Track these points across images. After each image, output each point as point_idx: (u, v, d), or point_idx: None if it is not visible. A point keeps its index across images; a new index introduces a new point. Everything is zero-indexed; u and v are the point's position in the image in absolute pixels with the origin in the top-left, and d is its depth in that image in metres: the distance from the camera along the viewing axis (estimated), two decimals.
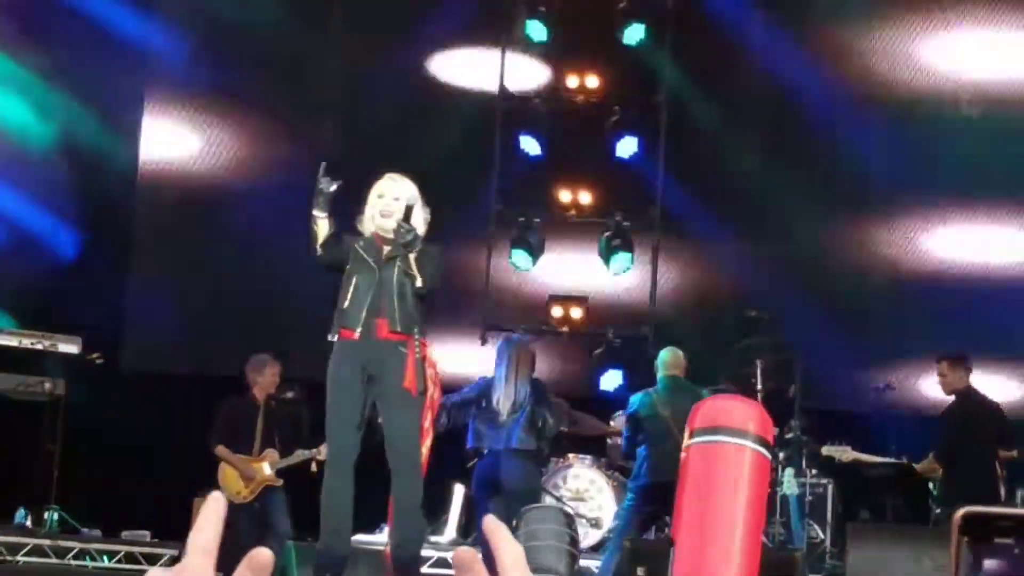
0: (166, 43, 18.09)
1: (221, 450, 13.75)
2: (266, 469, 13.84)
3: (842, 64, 17.60)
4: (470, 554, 1.90)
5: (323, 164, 10.83)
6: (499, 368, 12.77)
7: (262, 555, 1.77)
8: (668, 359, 13.77)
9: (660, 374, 13.63)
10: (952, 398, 14.30)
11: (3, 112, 17.18)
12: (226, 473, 13.78)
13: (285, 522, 13.76)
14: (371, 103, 18.16)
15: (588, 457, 14.79)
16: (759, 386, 14.72)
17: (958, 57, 17.65)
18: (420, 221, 10.63)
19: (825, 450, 14.64)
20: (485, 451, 12.70)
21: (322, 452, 13.01)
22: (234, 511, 13.24)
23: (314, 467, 13.79)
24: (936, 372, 14.41)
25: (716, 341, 16.37)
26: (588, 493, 14.58)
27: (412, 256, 10.26)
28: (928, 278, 17.27)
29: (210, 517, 1.93)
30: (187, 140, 18.36)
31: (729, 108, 17.65)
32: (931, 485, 14.51)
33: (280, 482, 13.85)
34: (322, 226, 10.53)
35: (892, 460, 14.65)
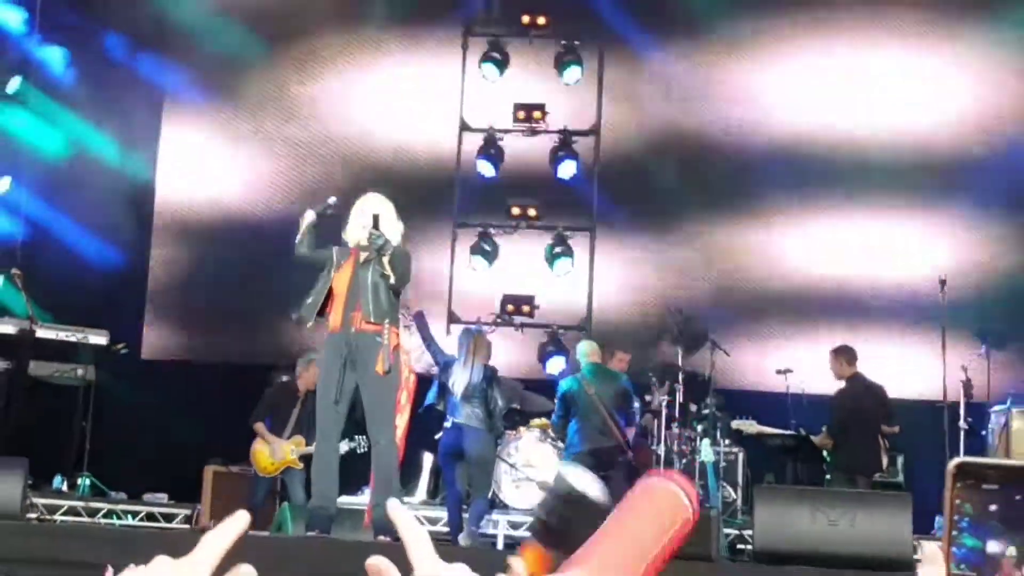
0: (178, 80, 18.02)
1: (259, 427, 14.06)
2: (291, 452, 14.04)
3: (741, 100, 17.81)
4: (383, 562, 2.17)
5: (334, 198, 11.55)
6: (459, 354, 13.00)
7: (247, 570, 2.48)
8: (587, 349, 14.25)
9: (584, 362, 14.02)
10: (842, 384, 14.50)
11: (44, 142, 17.35)
12: (258, 448, 14.03)
13: (301, 496, 13.65)
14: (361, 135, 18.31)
15: (536, 430, 14.83)
16: (680, 370, 14.93)
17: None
18: (392, 230, 11.01)
19: (735, 424, 14.94)
20: (449, 424, 12.87)
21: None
22: (256, 480, 14.12)
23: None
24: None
25: (645, 332, 16.78)
26: (536, 460, 14.69)
27: (386, 259, 10.60)
28: (818, 277, 17.39)
29: (231, 529, 2.24)
30: (200, 164, 18.35)
31: (652, 136, 17.85)
32: (824, 454, 14.60)
33: (301, 465, 13.94)
34: (309, 225, 11.07)
35: (791, 433, 14.90)
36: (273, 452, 14.09)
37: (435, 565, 2.08)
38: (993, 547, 1.92)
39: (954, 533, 1.93)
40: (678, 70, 18.07)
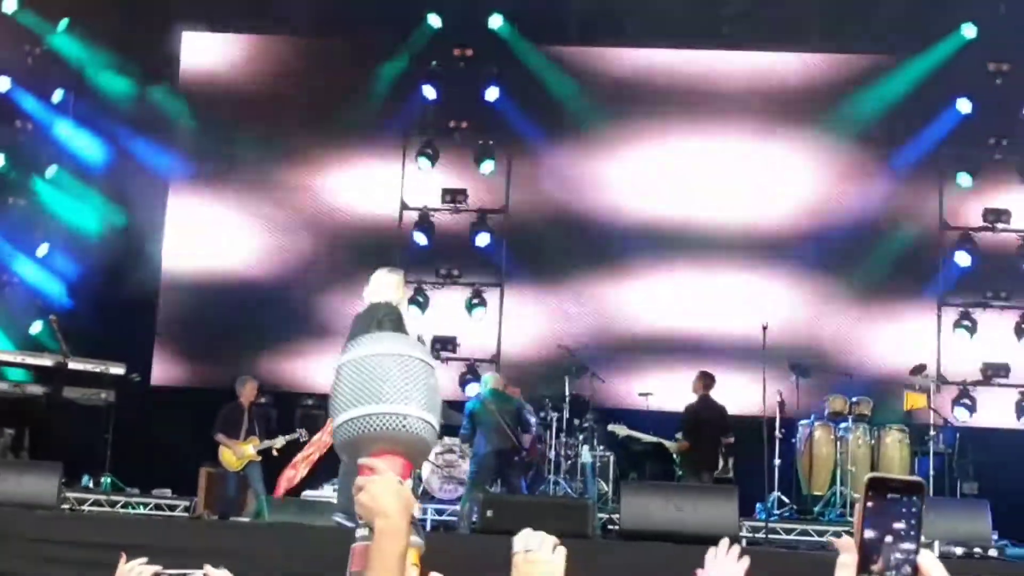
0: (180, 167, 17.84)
1: (220, 437, 14.06)
2: (250, 449, 14.03)
3: (614, 186, 17.77)
4: None
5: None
6: None
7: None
8: (490, 379, 14.43)
9: (486, 388, 14.11)
10: (694, 399, 14.55)
11: (71, 215, 17.28)
12: (224, 452, 14.05)
13: (260, 485, 13.73)
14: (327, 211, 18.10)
15: (455, 438, 14.60)
16: (567, 394, 14.85)
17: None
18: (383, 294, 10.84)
19: (610, 427, 14.88)
20: None
21: (280, 443, 14.16)
22: (227, 476, 14.02)
23: (275, 452, 14.10)
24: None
25: (540, 366, 16.80)
26: (455, 463, 14.82)
27: None
28: (671, 322, 17.33)
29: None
30: (201, 231, 18.12)
31: (547, 214, 17.84)
32: (675, 457, 14.58)
33: (259, 458, 14.01)
34: None
35: (652, 439, 14.81)
36: (235, 453, 14.09)
37: None
38: (888, 539, 1.93)
39: (868, 538, 1.93)
40: (566, 163, 18.02)
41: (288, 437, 14.30)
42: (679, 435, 14.63)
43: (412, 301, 17.23)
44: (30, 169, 17.13)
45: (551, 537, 2.77)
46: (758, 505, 13.76)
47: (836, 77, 17.73)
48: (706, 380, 14.79)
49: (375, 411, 2.68)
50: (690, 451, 14.50)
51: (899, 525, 1.94)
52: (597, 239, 17.71)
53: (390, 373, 2.74)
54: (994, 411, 16.80)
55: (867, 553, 1.94)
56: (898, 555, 1.93)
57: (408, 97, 17.94)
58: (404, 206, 18.01)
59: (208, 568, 3.83)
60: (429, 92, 17.88)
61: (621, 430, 14.87)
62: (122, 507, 13.24)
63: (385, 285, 11.04)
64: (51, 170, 17.34)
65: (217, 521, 12.47)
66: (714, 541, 3.59)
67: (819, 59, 17.80)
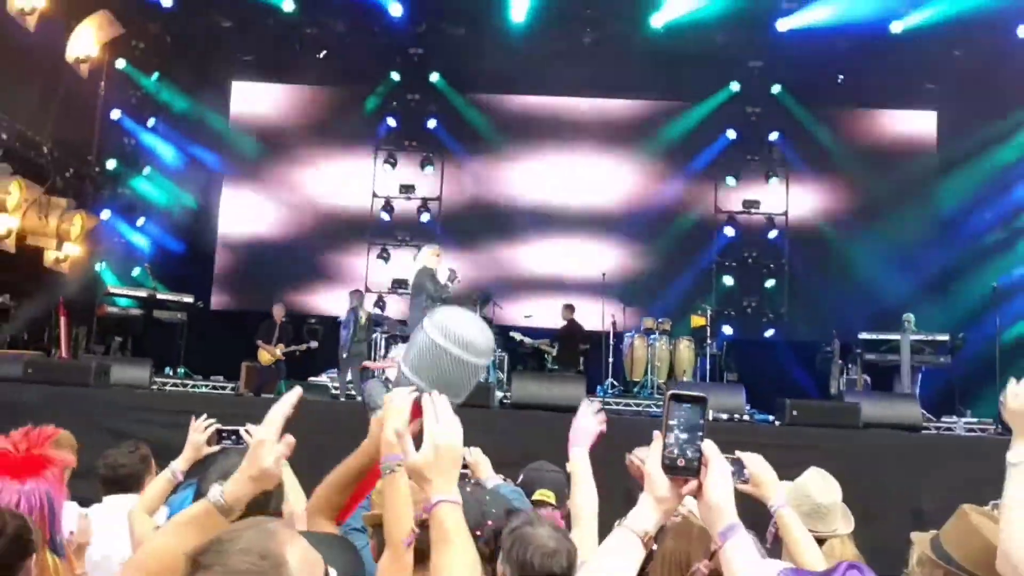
0: (229, 167, 17.67)
1: (259, 343, 14.00)
2: (278, 352, 13.97)
3: (514, 183, 17.58)
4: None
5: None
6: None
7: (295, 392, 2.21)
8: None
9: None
10: (564, 322, 14.48)
11: (159, 199, 17.08)
12: (261, 352, 13.98)
13: (284, 372, 13.80)
14: (323, 196, 17.84)
15: None
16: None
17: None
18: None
19: (511, 334, 14.51)
20: None
21: (300, 349, 14.05)
22: (266, 368, 13.96)
23: (297, 354, 14.13)
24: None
25: (462, 299, 16.43)
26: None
27: None
28: (548, 271, 17.16)
29: (289, 399, 2.20)
30: (243, 209, 17.82)
31: (468, 201, 17.64)
32: (548, 357, 14.41)
33: (284, 358, 13.97)
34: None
35: (535, 344, 14.50)
36: (269, 353, 14.01)
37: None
38: (682, 435, 1.86)
39: (668, 433, 1.87)
40: (480, 169, 17.85)
41: (303, 346, 14.18)
42: (554, 343, 14.53)
43: (379, 256, 17.36)
44: (132, 170, 16.84)
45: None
46: (598, 387, 13.83)
47: (650, 115, 17.71)
48: (570, 309, 14.78)
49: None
50: (560, 353, 14.40)
51: (690, 424, 1.88)
52: (499, 218, 17.49)
53: (459, 379, 2.46)
54: (749, 328, 16.97)
55: (667, 444, 1.88)
56: (688, 444, 1.88)
57: (377, 125, 17.69)
58: (374, 195, 17.79)
59: (248, 425, 3.80)
60: (391, 121, 17.69)
61: (517, 336, 14.57)
62: (191, 387, 13.03)
63: (425, 255, 11.16)
64: (146, 170, 17.14)
65: (253, 396, 12.41)
66: (571, 410, 3.61)
67: (640, 104, 17.80)
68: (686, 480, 1.87)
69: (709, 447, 1.88)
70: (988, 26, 14.19)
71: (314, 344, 14.30)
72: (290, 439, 2.15)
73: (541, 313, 15.88)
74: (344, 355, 13.14)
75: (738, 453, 2.88)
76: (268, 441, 2.12)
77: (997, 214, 15.94)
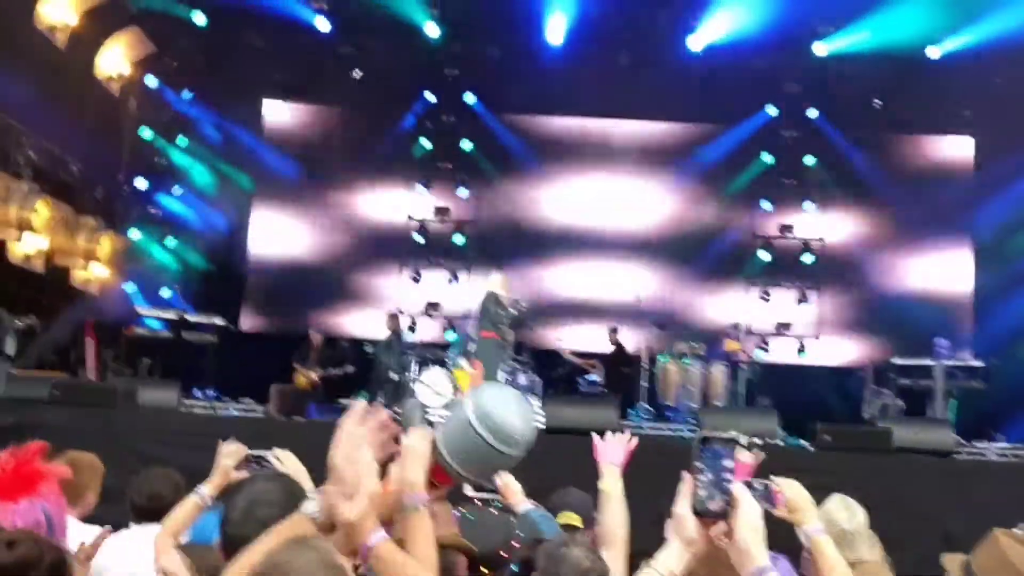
0: (261, 187, 17.76)
1: (297, 365, 13.97)
2: (313, 376, 13.92)
3: (546, 203, 17.72)
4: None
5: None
6: None
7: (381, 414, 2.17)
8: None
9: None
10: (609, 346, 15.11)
11: (192, 220, 17.13)
12: (298, 376, 13.95)
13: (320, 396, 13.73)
14: (362, 217, 18.13)
15: None
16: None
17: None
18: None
19: (561, 350, 14.73)
20: None
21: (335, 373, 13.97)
22: (299, 392, 13.86)
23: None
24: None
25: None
26: None
27: None
28: (582, 283, 17.30)
29: (420, 451, 2.25)
30: (275, 230, 17.87)
31: (503, 222, 17.61)
32: (593, 377, 14.75)
33: (319, 382, 13.92)
34: None
35: (581, 363, 14.75)
36: (305, 377, 13.99)
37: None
38: (711, 477, 1.88)
39: (698, 475, 1.89)
40: (513, 191, 17.93)
41: (339, 371, 14.10)
42: (600, 366, 14.63)
43: (412, 278, 17.42)
44: (163, 189, 16.97)
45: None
46: (630, 410, 13.76)
47: (686, 138, 17.72)
48: (615, 332, 14.89)
49: (463, 472, 2.38)
50: (608, 376, 14.43)
51: (719, 466, 1.89)
52: (532, 240, 17.56)
53: (488, 466, 2.39)
54: (782, 353, 16.91)
55: (696, 486, 1.90)
56: (717, 486, 1.89)
57: (411, 145, 17.75)
58: (409, 217, 17.85)
59: (276, 450, 3.80)
60: (426, 143, 17.75)
61: (565, 353, 14.64)
62: (220, 410, 12.94)
63: (491, 282, 11.28)
64: (176, 189, 17.22)
65: (283, 420, 12.38)
66: (602, 433, 3.65)
67: (676, 126, 17.83)
68: (715, 522, 1.90)
69: (739, 489, 1.90)
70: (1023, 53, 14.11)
71: (351, 368, 14.28)
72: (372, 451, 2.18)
73: (574, 336, 15.86)
74: (394, 377, 13.19)
75: (773, 478, 2.89)
76: (355, 453, 2.15)
77: None
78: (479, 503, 3.84)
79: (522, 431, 2.35)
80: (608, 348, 14.88)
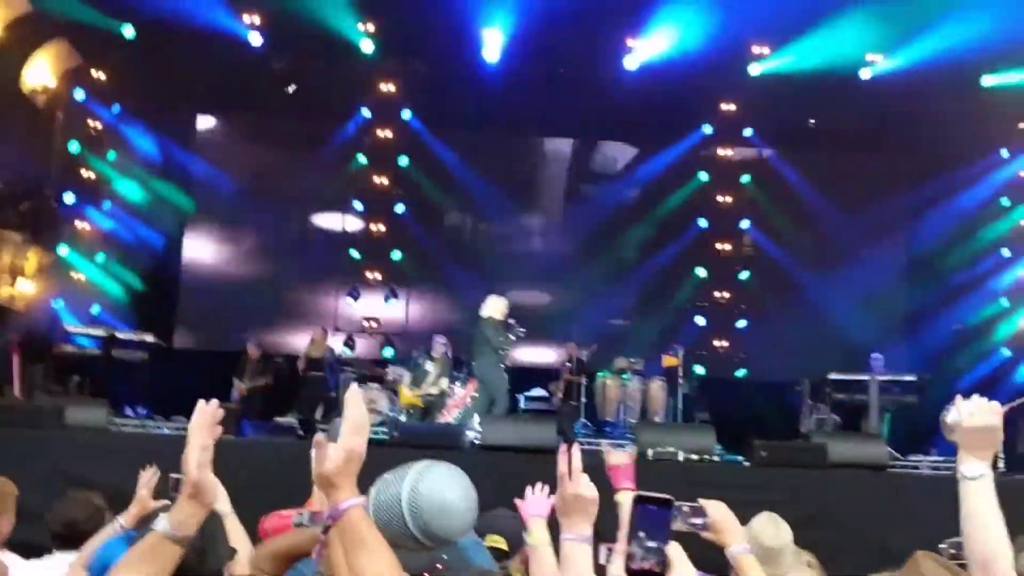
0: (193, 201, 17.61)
1: (235, 379, 14.17)
2: (245, 386, 14.15)
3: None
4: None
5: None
6: None
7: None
8: None
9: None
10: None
11: (122, 235, 16.81)
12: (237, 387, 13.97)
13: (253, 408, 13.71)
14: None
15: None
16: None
17: None
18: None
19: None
20: None
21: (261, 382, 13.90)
22: (238, 410, 13.12)
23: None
24: None
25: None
26: None
27: None
28: None
29: (206, 409, 2.29)
30: (208, 247, 17.81)
31: None
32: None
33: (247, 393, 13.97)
34: None
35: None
36: (241, 389, 13.97)
37: None
38: (644, 536, 1.85)
39: (632, 535, 1.85)
40: (452, 205, 17.90)
41: (263, 382, 14.03)
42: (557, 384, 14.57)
43: (348, 294, 17.24)
44: (92, 204, 16.62)
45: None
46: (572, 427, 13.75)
47: (623, 155, 17.98)
48: (567, 348, 14.71)
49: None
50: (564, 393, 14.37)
51: (654, 526, 1.87)
52: (470, 257, 17.45)
53: (403, 546, 2.24)
54: (721, 368, 17.05)
55: (631, 546, 1.87)
56: (652, 547, 1.86)
57: (347, 161, 17.60)
58: (345, 233, 17.77)
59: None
60: (362, 159, 17.58)
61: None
62: (152, 428, 12.64)
63: (491, 305, 11.49)
64: (106, 205, 16.90)
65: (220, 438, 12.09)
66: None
67: (613, 144, 18.06)
68: None
69: (674, 551, 1.89)
70: (954, 74, 14.51)
71: (270, 380, 14.20)
72: (206, 441, 2.17)
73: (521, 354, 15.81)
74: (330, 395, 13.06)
75: (700, 500, 2.95)
76: (190, 451, 2.17)
77: (963, 256, 16.36)
78: None
79: (453, 533, 2.25)
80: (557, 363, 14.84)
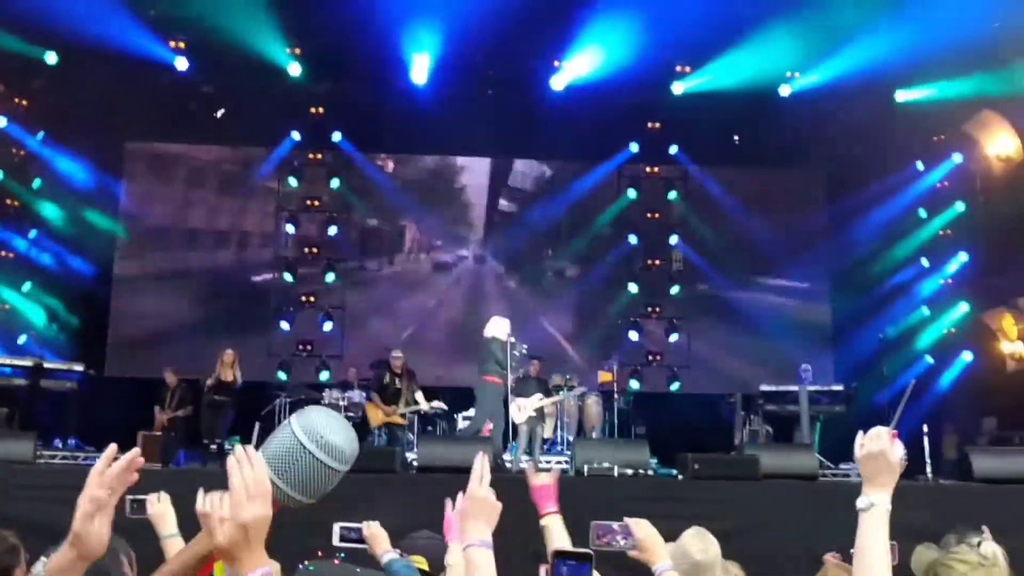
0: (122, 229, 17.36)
1: (156, 410, 13.81)
2: (164, 418, 13.87)
3: None
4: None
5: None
6: None
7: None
8: None
9: None
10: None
11: (49, 264, 16.55)
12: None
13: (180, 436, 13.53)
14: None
15: None
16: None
17: None
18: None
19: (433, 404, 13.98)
20: None
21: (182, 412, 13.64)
22: (172, 439, 13.23)
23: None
24: None
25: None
26: None
27: None
28: None
29: (110, 457, 2.18)
30: (136, 279, 17.39)
31: None
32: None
33: (171, 420, 13.89)
34: None
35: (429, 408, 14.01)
36: (163, 416, 13.67)
37: None
38: None
39: None
40: (384, 226, 17.78)
41: (184, 412, 13.93)
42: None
43: (282, 318, 17.06)
44: (17, 233, 16.29)
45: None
46: (510, 445, 13.62)
47: (552, 175, 18.12)
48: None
49: (290, 492, 2.27)
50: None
51: None
52: (406, 276, 17.48)
53: (316, 482, 2.30)
54: (655, 382, 17.20)
55: None
56: None
57: (278, 184, 17.59)
58: (276, 256, 17.56)
59: (152, 495, 3.90)
60: (293, 182, 17.53)
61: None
62: (83, 461, 12.34)
63: (496, 326, 11.40)
64: (32, 233, 16.54)
65: (149, 468, 11.93)
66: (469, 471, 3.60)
67: (541, 164, 18.16)
68: None
69: None
70: (870, 90, 14.84)
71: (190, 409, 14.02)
72: (97, 492, 2.06)
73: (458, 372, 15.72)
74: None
75: (626, 520, 2.95)
76: (80, 499, 2.05)
77: (885, 267, 16.76)
78: (337, 556, 3.80)
79: (350, 447, 2.37)
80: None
